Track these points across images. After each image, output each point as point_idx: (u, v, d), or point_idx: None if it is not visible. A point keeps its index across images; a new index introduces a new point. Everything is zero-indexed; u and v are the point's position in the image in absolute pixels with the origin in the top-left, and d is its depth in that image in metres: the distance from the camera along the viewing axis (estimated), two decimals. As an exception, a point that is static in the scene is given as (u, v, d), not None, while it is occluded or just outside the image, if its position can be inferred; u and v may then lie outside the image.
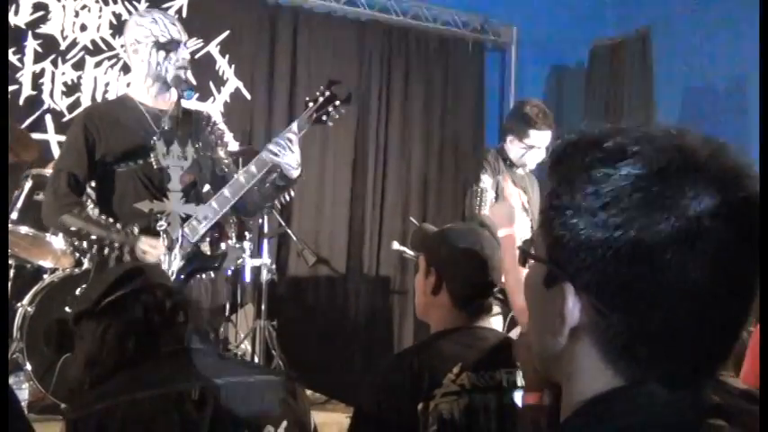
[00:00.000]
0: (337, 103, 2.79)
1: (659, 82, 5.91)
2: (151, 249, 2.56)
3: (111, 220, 2.61)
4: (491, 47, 6.14)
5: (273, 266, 4.50)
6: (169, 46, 2.70)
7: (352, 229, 5.50)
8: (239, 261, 4.18)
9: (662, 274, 0.72)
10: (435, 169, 5.79)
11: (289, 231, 4.39)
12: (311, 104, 2.79)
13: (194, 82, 2.83)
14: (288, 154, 2.72)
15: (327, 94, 2.79)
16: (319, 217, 5.37)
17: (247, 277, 4.38)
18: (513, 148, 3.76)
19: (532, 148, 3.70)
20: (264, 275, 4.38)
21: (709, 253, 0.72)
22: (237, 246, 4.01)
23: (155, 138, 2.60)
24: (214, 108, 5.02)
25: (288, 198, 2.95)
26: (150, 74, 2.74)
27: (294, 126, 2.77)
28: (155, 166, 2.58)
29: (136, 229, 2.59)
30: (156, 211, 2.49)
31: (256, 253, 4.46)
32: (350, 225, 5.49)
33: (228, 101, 5.13)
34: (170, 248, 2.39)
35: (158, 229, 2.43)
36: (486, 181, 3.65)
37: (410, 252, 4.55)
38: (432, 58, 5.85)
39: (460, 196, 5.78)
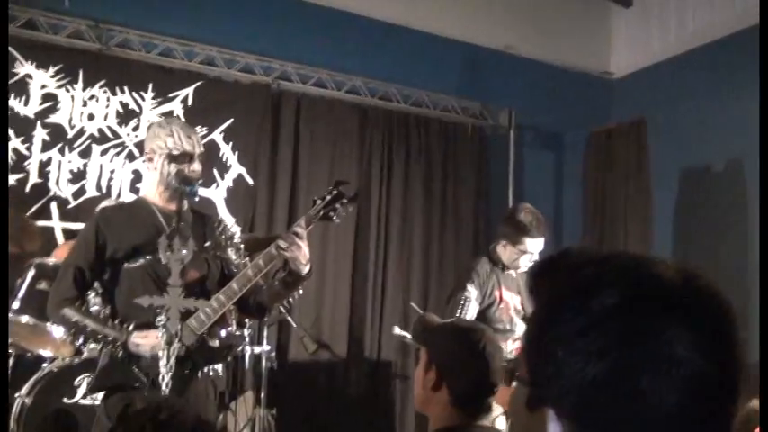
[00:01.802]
0: (344, 201, 2.87)
1: (656, 165, 5.99)
2: (143, 342, 2.62)
3: (108, 313, 2.66)
4: (490, 132, 6.24)
5: (273, 354, 4.48)
6: (181, 159, 2.82)
7: (353, 313, 5.49)
8: (239, 348, 4.17)
9: (639, 402, 0.74)
10: (437, 254, 5.81)
11: (289, 319, 4.39)
12: (319, 202, 2.87)
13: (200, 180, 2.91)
14: (296, 249, 2.77)
15: (335, 192, 2.88)
16: (320, 301, 5.36)
17: (247, 364, 4.36)
18: (506, 252, 3.84)
19: (525, 253, 3.76)
20: (264, 363, 4.35)
21: (685, 381, 0.74)
22: (238, 333, 4.01)
23: (164, 235, 2.68)
24: (217, 194, 5.09)
25: (296, 296, 3.01)
26: (161, 182, 2.86)
27: (302, 221, 2.84)
28: (163, 261, 2.64)
29: (131, 326, 2.64)
30: (156, 306, 2.52)
31: (256, 340, 4.44)
32: (351, 309, 5.48)
33: (231, 186, 5.20)
34: (169, 343, 2.42)
35: (157, 324, 2.47)
36: (472, 292, 3.71)
37: (411, 337, 4.54)
38: (432, 143, 5.95)
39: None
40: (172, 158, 2.81)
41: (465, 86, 6.12)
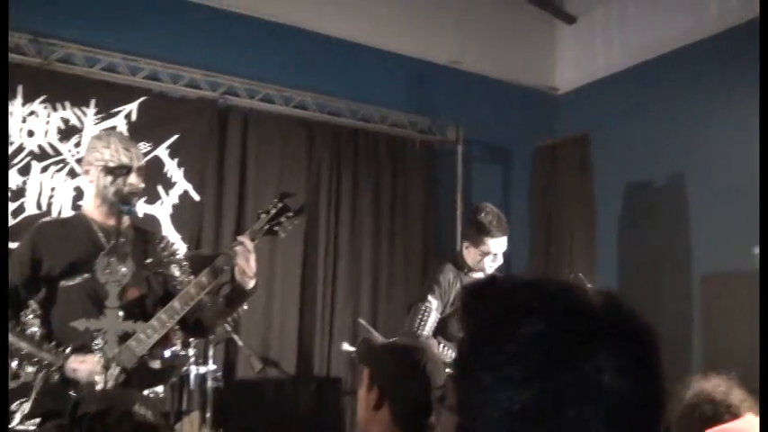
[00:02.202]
0: (290, 214, 2.84)
1: (600, 179, 6.10)
2: (80, 367, 2.54)
3: (44, 334, 2.58)
4: (439, 146, 6.27)
5: (220, 374, 4.40)
6: (117, 171, 2.75)
7: (302, 329, 5.44)
8: (184, 369, 4.09)
9: (566, 430, 0.73)
10: (386, 268, 5.81)
11: (235, 337, 4.32)
12: (263, 216, 2.82)
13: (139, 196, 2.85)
14: (243, 260, 2.73)
15: (280, 206, 2.84)
16: (269, 317, 5.30)
17: (192, 384, 4.28)
18: (470, 254, 3.83)
19: (488, 254, 3.77)
20: (210, 383, 4.28)
21: (610, 409, 0.74)
22: (182, 353, 3.93)
23: (102, 253, 2.61)
24: (163, 211, 5.01)
25: (241, 313, 2.95)
26: (97, 195, 2.79)
27: (246, 236, 2.80)
28: (101, 281, 2.57)
29: (68, 350, 2.55)
30: (92, 330, 2.45)
31: (202, 360, 4.36)
32: (300, 325, 5.44)
33: (177, 202, 5.12)
34: (106, 368, 2.35)
35: (93, 348, 2.41)
36: (433, 302, 3.71)
37: (356, 356, 4.52)
38: (381, 158, 5.95)
39: (411, 296, 5.80)
40: (108, 171, 2.75)
41: (413, 101, 6.15)
